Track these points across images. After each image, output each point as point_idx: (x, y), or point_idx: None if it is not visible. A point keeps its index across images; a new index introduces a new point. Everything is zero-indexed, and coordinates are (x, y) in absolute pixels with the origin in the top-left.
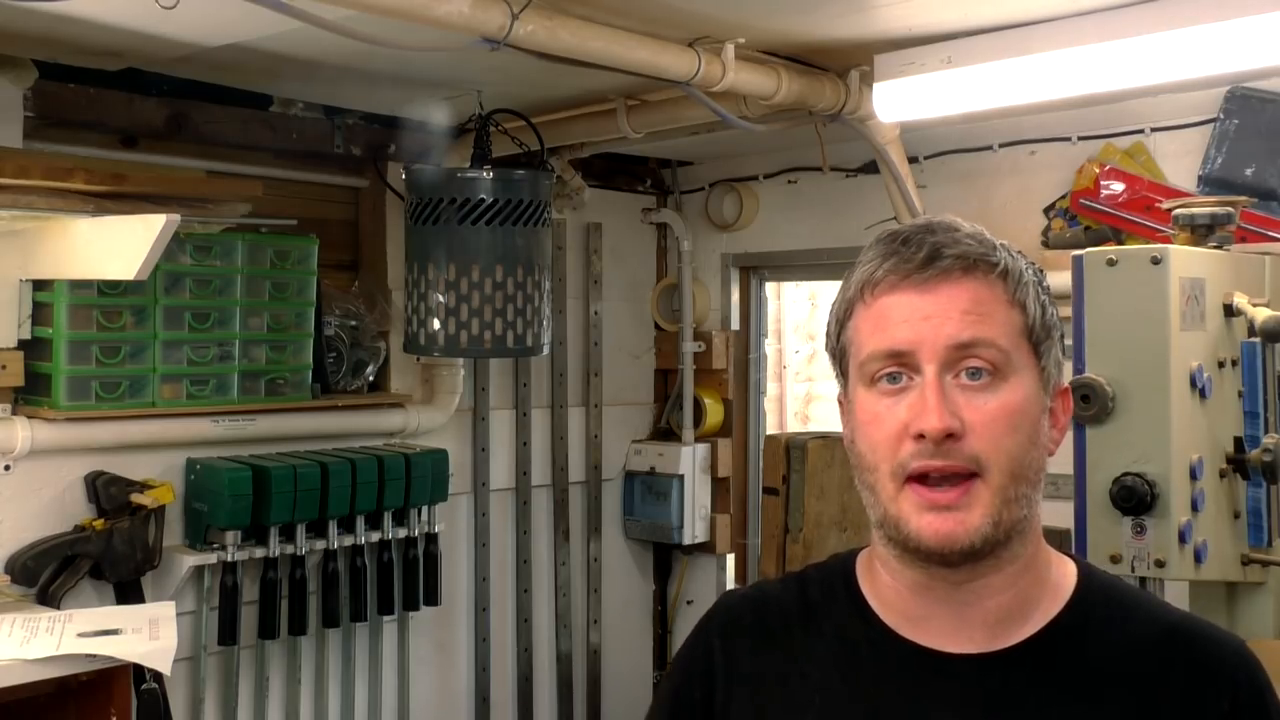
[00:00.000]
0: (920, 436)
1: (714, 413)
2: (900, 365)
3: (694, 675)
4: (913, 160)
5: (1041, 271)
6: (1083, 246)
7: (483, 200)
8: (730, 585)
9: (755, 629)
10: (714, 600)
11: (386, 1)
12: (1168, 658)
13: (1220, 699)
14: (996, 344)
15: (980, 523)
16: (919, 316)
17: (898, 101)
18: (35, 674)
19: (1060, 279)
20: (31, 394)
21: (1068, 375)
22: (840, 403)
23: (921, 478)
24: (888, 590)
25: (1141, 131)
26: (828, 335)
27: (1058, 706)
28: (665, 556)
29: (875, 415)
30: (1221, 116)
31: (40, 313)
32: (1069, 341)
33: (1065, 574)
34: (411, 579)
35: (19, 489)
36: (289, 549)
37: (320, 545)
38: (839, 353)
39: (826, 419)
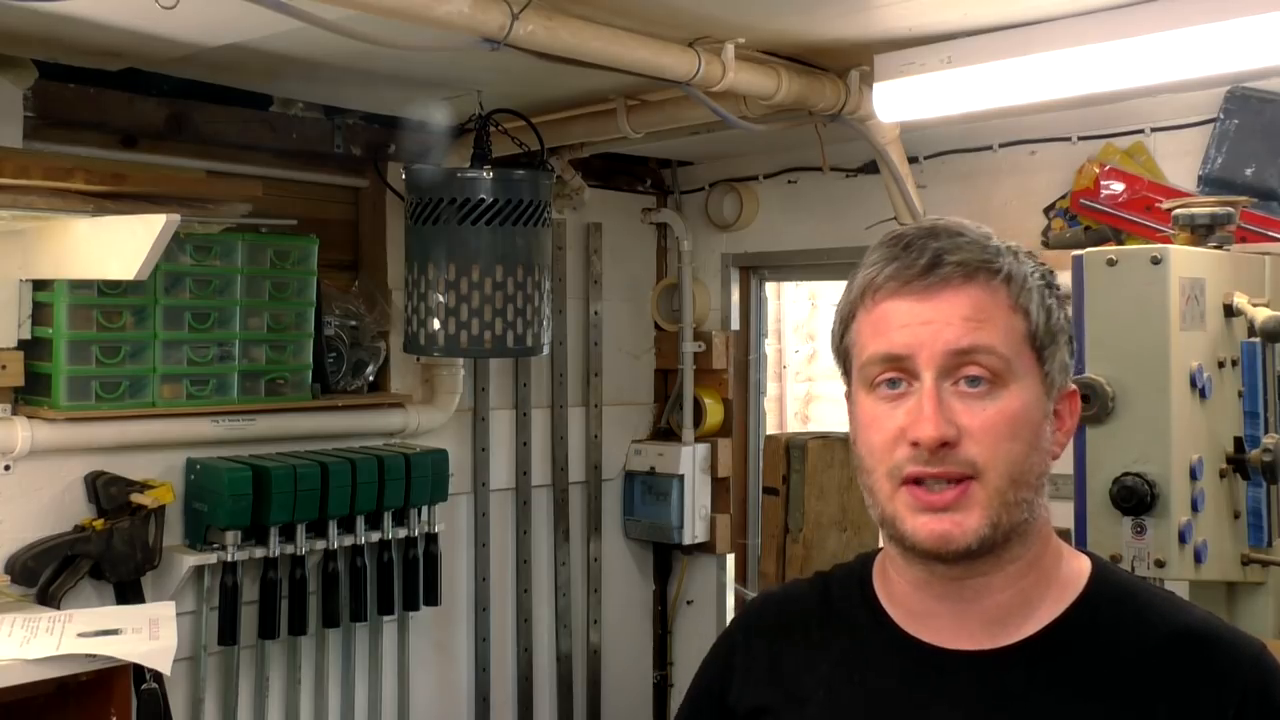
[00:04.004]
0: (916, 444)
1: (714, 413)
2: (899, 371)
3: (716, 670)
4: (913, 160)
5: (1051, 273)
6: (1083, 246)
7: (483, 200)
8: (730, 585)
9: (777, 627)
10: (714, 600)
11: (386, 1)
12: (1175, 659)
13: (1227, 704)
14: (996, 350)
15: (977, 524)
16: (918, 322)
17: (898, 101)
18: (35, 674)
19: (1060, 279)
20: (31, 394)
21: None
22: (847, 398)
23: (917, 481)
24: (896, 587)
25: (1141, 131)
26: (832, 335)
27: (1055, 704)
28: (665, 556)
29: (874, 419)
30: (1221, 116)
31: (40, 313)
32: None
33: (1076, 572)
34: (411, 579)
35: (19, 489)
36: (289, 549)
37: (320, 545)
38: (842, 353)
39: (826, 419)
